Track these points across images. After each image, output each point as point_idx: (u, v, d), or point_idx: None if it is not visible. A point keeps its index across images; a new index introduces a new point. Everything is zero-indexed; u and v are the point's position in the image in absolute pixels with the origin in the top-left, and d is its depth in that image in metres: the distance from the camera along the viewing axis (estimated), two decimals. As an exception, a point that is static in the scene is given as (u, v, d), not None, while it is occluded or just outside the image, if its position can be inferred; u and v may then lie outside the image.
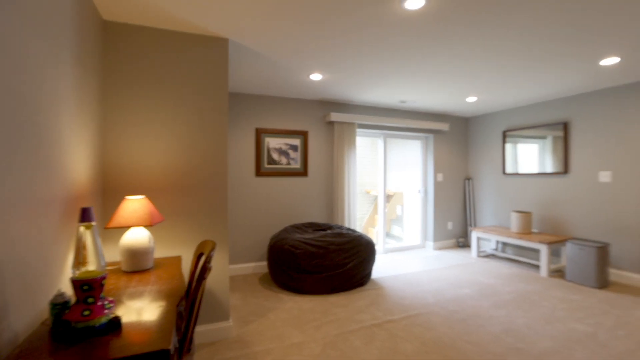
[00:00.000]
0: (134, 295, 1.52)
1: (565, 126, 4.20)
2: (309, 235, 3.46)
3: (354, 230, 3.81)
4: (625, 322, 2.74)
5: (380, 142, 5.14)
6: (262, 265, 4.15)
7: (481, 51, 2.72)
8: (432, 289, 3.50)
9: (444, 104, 4.72)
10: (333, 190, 4.44)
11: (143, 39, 2.24)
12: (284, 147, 4.18)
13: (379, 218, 5.19)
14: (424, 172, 5.50)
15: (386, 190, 5.26)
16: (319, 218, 4.43)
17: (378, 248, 5.15)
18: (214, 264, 2.47)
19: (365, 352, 2.29)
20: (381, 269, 4.28)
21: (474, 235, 4.86)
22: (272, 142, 4.13)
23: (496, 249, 5.07)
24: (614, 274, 3.78)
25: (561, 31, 2.35)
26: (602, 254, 3.52)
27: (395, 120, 4.82)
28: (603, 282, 3.53)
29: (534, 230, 4.58)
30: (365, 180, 6.43)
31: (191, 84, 2.37)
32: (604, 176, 3.83)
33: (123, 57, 2.20)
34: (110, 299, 1.26)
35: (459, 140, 5.60)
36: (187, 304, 1.89)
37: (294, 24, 2.26)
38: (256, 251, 4.12)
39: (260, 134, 4.05)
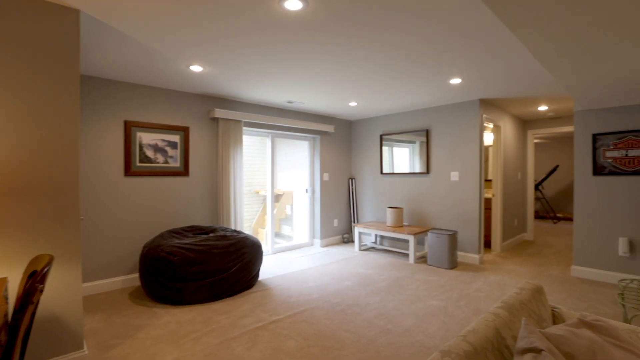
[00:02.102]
0: None
1: (427, 133, 4.91)
2: (188, 240, 3.18)
3: (239, 232, 3.67)
4: (466, 294, 3.33)
5: (268, 142, 5.11)
6: (134, 278, 3.64)
7: (356, 60, 2.94)
8: (317, 285, 3.63)
9: (330, 107, 4.98)
10: (218, 190, 4.21)
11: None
12: (160, 144, 3.76)
13: (268, 218, 5.16)
14: (312, 171, 5.70)
15: (275, 190, 5.26)
16: (202, 221, 4.13)
17: (267, 248, 5.11)
18: (58, 283, 2.03)
19: (247, 357, 2.21)
20: (270, 269, 4.25)
21: (356, 231, 5.26)
22: (146, 138, 3.66)
23: (375, 242, 5.60)
24: (460, 255, 4.58)
25: (419, 53, 2.71)
26: (452, 240, 4.23)
27: (284, 120, 4.86)
28: (453, 264, 4.24)
29: (405, 223, 5.22)
30: (255, 180, 6.31)
31: (24, 59, 1.89)
32: (454, 176, 4.62)
33: None
34: None
35: (343, 141, 5.99)
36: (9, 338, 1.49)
37: (162, 5, 2.02)
38: (127, 262, 3.59)
39: (130, 127, 3.55)
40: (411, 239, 4.51)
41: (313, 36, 2.46)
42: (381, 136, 5.54)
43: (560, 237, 6.25)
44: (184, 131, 3.94)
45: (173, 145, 3.85)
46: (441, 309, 2.98)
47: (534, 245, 5.60)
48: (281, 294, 3.34)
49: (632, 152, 3.58)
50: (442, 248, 4.24)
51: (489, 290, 3.43)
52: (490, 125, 5.06)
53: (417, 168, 5.06)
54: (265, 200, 5.53)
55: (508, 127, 5.34)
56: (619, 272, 3.67)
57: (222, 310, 2.95)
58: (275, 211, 6.09)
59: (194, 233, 3.59)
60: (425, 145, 4.93)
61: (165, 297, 3.01)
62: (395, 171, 5.37)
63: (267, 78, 3.47)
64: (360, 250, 5.29)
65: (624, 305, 2.40)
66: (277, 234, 6.36)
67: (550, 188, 8.71)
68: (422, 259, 4.71)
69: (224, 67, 3.12)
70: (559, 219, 8.17)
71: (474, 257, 4.46)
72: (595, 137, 3.80)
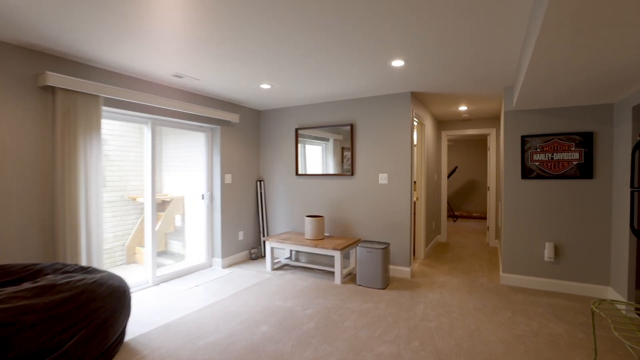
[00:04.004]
0: None
1: (352, 128, 4.21)
2: (-32, 304, 1.70)
3: (90, 270, 2.29)
4: (414, 327, 2.68)
5: (147, 131, 3.68)
6: None
7: (275, 18, 1.95)
8: (220, 339, 2.50)
9: (235, 89, 3.84)
10: (55, 201, 2.67)
11: None
12: None
13: (147, 235, 3.74)
14: (209, 172, 4.45)
15: (159, 196, 3.87)
16: (18, 255, 2.52)
17: (145, 278, 3.69)
18: None
19: None
20: (146, 316, 2.91)
21: (268, 246, 4.24)
22: None
23: (290, 258, 4.68)
24: (391, 269, 4.01)
25: (352, 26, 1.90)
26: (385, 255, 3.60)
27: (170, 102, 3.52)
28: (386, 282, 3.61)
29: (327, 234, 4.43)
30: (130, 183, 4.72)
31: None
32: (382, 178, 4.02)
33: None
34: None
35: (250, 135, 4.89)
36: None
37: None
38: None
39: None
40: (337, 255, 3.73)
41: None
42: (297, 130, 4.65)
43: (466, 236, 6.39)
44: (-18, 104, 2.31)
45: (-46, 126, 2.20)
46: (395, 357, 2.23)
47: (450, 247, 5.50)
48: (162, 368, 2.12)
49: (557, 156, 3.49)
50: (375, 265, 3.57)
51: (437, 318, 2.85)
52: (415, 123, 4.67)
53: (339, 169, 4.33)
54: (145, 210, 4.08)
55: (429, 127, 5.06)
56: (544, 277, 3.56)
57: None
58: (159, 224, 4.65)
59: (-7, 283, 2.05)
60: (348, 143, 4.23)
61: None
62: (312, 172, 4.54)
63: (138, 27, 2.18)
64: (273, 269, 4.29)
65: (628, 344, 2.00)
66: (163, 253, 4.91)
67: (449, 188, 9.21)
68: (349, 277, 3.98)
69: (48, -12, 1.75)
70: (457, 216, 8.65)
71: (404, 271, 3.94)
72: (524, 139, 3.63)
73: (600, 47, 1.85)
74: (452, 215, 8.61)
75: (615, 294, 3.17)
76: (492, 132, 5.49)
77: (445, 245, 5.64)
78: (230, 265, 4.49)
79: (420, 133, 4.69)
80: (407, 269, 3.91)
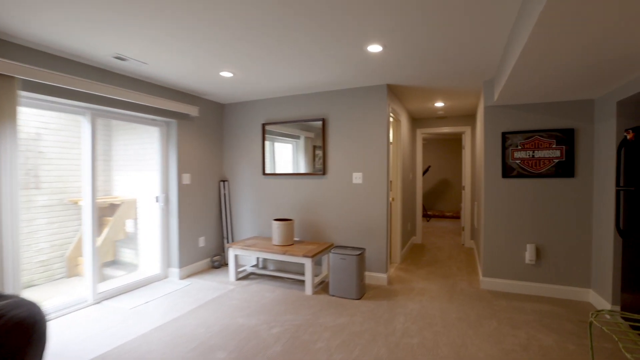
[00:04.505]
0: None
1: (324, 123, 3.87)
2: None
3: (-10, 298, 1.78)
4: (394, 345, 2.38)
5: (86, 124, 3.15)
6: None
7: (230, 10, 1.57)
8: (166, 372, 2.07)
9: (192, 77, 3.38)
10: (-47, 209, 2.12)
11: None
12: None
13: (86, 244, 3.21)
14: (165, 171, 3.95)
15: (97, 200, 3.34)
16: None
17: (85, 295, 3.15)
18: None
19: None
20: (78, 344, 2.41)
21: (232, 253, 3.81)
22: None
23: (257, 265, 4.27)
24: (366, 276, 3.71)
25: (325, 3, 1.56)
26: (360, 261, 3.29)
27: (112, 89, 3.01)
28: (361, 291, 3.30)
29: (297, 238, 4.06)
30: (71, 184, 4.11)
31: None
32: (357, 177, 3.71)
33: None
34: None
35: (212, 131, 4.42)
36: None
37: None
38: None
39: None
40: (308, 263, 3.38)
41: None
42: (264, 125, 4.24)
43: (441, 237, 6.25)
44: None
45: None
46: (375, 388, 1.91)
47: (426, 249, 5.29)
48: (84, 420, 1.67)
49: (539, 153, 3.33)
50: (349, 273, 3.24)
51: (419, 332, 2.57)
52: (391, 119, 4.40)
53: (302, 168, 3.99)
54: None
55: (405, 124, 4.82)
56: (526, 280, 3.39)
57: None
58: (107, 230, 4.09)
59: None
60: (320, 140, 3.89)
61: None
62: (280, 171, 4.16)
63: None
64: (237, 279, 3.87)
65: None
66: (113, 263, 4.34)
67: (422, 187, 9.11)
68: (321, 286, 3.63)
69: None
70: (430, 216, 8.56)
71: (381, 277, 3.65)
72: (504, 136, 3.44)
73: (609, 26, 1.61)
74: (425, 215, 8.51)
75: (597, 296, 3.04)
76: (467, 130, 5.35)
77: (421, 247, 5.44)
78: (189, 276, 4.01)
79: (396, 130, 4.44)
80: (384, 276, 3.63)
